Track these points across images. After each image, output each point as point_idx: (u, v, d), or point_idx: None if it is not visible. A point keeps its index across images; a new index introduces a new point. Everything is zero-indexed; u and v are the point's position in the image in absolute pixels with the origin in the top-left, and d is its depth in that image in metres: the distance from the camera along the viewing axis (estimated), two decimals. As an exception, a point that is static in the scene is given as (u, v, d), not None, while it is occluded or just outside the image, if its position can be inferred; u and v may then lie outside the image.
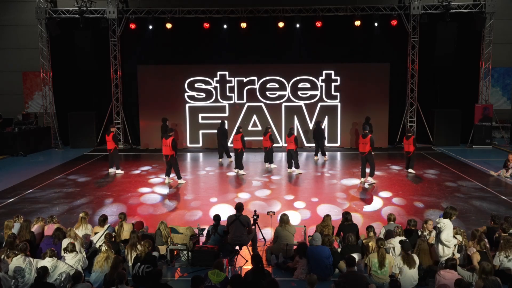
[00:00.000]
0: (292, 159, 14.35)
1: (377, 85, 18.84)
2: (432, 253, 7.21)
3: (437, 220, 7.15)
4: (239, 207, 8.22)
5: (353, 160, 16.36)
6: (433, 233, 7.70)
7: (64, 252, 7.10)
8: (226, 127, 16.44)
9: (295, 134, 14.31)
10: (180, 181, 13.23)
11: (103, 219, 8.41)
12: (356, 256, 7.07)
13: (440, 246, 7.04)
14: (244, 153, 14.62)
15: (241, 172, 14.16)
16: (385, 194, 11.93)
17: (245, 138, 14.72)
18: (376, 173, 13.63)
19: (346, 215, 8.30)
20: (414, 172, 13.98)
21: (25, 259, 6.67)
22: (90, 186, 13.00)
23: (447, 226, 6.98)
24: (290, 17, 18.32)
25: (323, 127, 16.31)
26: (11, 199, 11.65)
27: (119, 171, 14.36)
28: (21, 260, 6.63)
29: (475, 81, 19.05)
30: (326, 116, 18.70)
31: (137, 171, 14.88)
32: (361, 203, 11.19)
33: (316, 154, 16.50)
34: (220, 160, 16.22)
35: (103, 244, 7.07)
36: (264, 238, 8.66)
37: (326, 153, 16.59)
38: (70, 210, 10.81)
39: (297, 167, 14.28)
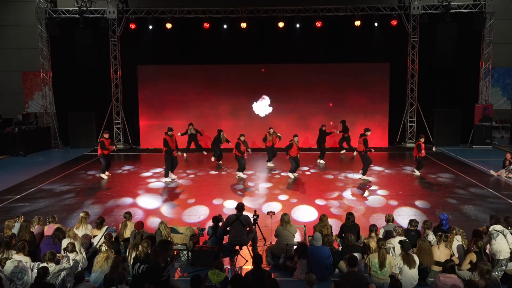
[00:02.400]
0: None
1: (377, 85, 18.86)
2: (434, 253, 7.19)
3: (492, 227, 7.33)
4: (240, 207, 8.19)
5: (352, 161, 16.35)
6: (431, 236, 7.70)
7: (64, 252, 7.11)
8: (221, 136, 15.96)
9: (294, 138, 13.66)
10: (165, 179, 13.41)
11: (101, 222, 8.40)
12: (356, 256, 7.06)
13: (499, 239, 7.07)
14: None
15: (240, 174, 13.95)
16: (384, 193, 11.95)
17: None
18: (377, 172, 13.67)
19: (349, 216, 8.29)
20: (418, 173, 13.82)
21: (19, 262, 6.65)
22: (89, 186, 13.00)
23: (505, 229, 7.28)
24: (290, 17, 18.32)
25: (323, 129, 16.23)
26: (11, 199, 11.65)
27: (103, 175, 13.89)
28: (16, 263, 6.62)
29: (475, 81, 19.05)
30: (327, 117, 18.76)
31: (139, 171, 14.92)
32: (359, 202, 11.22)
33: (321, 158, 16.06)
34: (220, 162, 15.95)
35: (103, 244, 7.07)
36: (264, 238, 8.66)
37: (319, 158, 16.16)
38: (70, 210, 10.80)
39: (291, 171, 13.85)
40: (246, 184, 13.09)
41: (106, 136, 13.72)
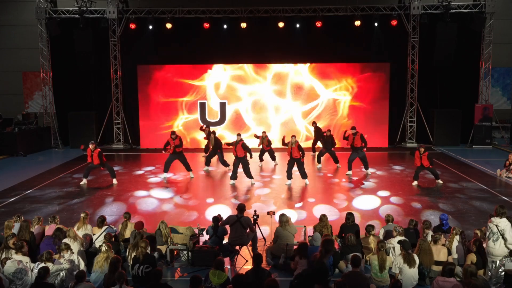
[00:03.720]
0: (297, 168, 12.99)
1: (377, 85, 18.86)
2: (434, 253, 7.18)
3: (494, 220, 6.90)
4: (241, 208, 8.21)
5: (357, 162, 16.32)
6: (430, 235, 7.68)
7: (60, 252, 7.10)
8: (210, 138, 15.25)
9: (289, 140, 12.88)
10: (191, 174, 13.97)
11: (101, 220, 8.38)
12: (360, 256, 7.04)
13: (497, 244, 6.82)
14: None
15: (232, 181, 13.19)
16: (384, 193, 11.94)
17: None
18: (378, 172, 13.93)
19: (349, 216, 8.29)
20: (441, 182, 12.84)
21: (19, 262, 6.65)
22: (90, 186, 13.00)
23: (508, 225, 6.87)
24: (290, 17, 18.31)
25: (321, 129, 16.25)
26: (11, 199, 11.65)
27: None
28: (16, 263, 6.62)
29: (475, 81, 19.04)
30: (327, 117, 18.81)
31: (140, 171, 14.93)
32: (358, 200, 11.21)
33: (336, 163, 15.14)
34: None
35: (103, 244, 7.06)
36: (264, 238, 8.66)
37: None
38: (70, 210, 10.81)
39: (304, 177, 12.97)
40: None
41: (90, 146, 13.01)
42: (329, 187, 12.84)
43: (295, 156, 12.60)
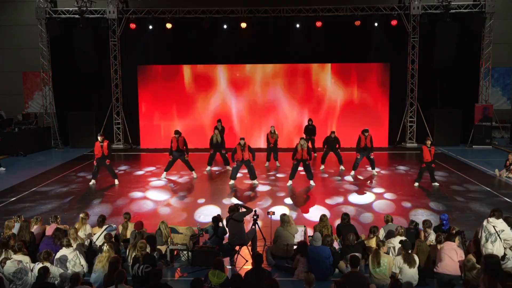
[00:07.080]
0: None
1: (377, 85, 18.86)
2: (431, 253, 7.19)
3: (491, 221, 6.83)
4: (232, 209, 8.36)
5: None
6: (432, 236, 7.67)
7: (61, 247, 7.12)
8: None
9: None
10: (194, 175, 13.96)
11: (102, 220, 8.39)
12: (358, 256, 7.05)
13: (495, 246, 6.76)
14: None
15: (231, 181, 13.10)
16: (384, 193, 11.95)
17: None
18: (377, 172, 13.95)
19: (344, 216, 8.32)
20: (437, 185, 12.57)
21: (19, 262, 6.65)
22: (90, 186, 13.00)
23: (506, 225, 6.87)
24: (290, 17, 18.31)
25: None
26: (11, 199, 11.65)
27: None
28: (16, 263, 6.62)
29: (475, 81, 19.04)
30: (327, 117, 18.80)
31: (140, 172, 14.93)
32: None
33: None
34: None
35: (105, 245, 7.06)
36: (264, 238, 8.66)
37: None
38: (70, 210, 10.81)
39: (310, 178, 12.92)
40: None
41: (99, 138, 12.86)
42: (331, 187, 12.84)
43: (304, 158, 12.52)
